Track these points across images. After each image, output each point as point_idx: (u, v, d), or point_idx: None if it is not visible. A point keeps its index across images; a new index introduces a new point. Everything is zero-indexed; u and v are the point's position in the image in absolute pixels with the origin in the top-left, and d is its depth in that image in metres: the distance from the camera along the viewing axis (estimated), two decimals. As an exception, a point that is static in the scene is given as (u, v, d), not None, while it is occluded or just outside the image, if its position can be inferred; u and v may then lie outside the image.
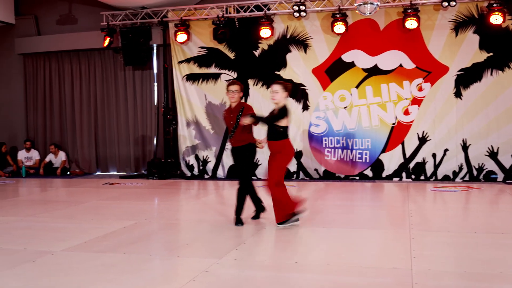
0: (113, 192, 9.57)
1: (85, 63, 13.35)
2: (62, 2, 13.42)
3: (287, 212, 5.88)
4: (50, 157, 13.13)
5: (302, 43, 11.27)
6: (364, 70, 10.92)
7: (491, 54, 10.33)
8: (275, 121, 5.83)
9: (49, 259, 4.71)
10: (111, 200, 8.68)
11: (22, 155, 13.25)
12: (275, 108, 5.95)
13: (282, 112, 5.86)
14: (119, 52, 12.54)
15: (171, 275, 4.31)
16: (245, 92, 11.60)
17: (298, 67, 11.29)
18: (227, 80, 11.71)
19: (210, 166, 11.91)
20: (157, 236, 5.81)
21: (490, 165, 10.38)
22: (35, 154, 13.29)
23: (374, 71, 10.87)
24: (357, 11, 9.76)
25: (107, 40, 12.13)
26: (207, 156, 11.93)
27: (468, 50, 10.42)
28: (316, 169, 11.22)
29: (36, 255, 4.79)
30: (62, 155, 13.09)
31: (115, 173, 13.17)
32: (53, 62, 13.56)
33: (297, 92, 11.25)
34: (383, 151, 10.83)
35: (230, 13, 11.52)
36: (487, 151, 10.40)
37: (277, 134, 5.88)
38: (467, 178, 10.46)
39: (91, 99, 13.32)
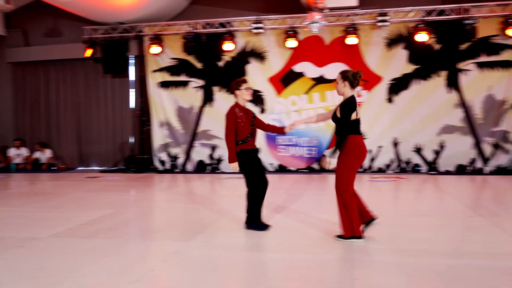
0: (94, 185, 9.36)
1: (69, 71, 13.03)
2: (48, 16, 13.02)
3: (350, 228, 4.37)
4: (37, 154, 12.74)
5: (260, 56, 11.30)
6: (312, 79, 11.05)
7: (418, 66, 10.63)
8: (344, 121, 4.50)
9: (36, 244, 4.56)
10: (93, 191, 8.48)
11: (12, 152, 12.80)
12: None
13: (345, 108, 4.44)
14: (100, 62, 12.27)
15: (145, 256, 4.25)
16: (210, 97, 11.56)
17: (256, 76, 11.31)
18: (195, 87, 11.66)
19: (179, 161, 11.81)
20: (133, 223, 5.71)
21: (416, 159, 10.68)
22: (24, 152, 12.86)
23: (320, 80, 11.00)
24: (306, 29, 9.86)
25: (89, 51, 11.86)
26: (177, 153, 11.82)
27: (398, 63, 10.69)
28: (271, 164, 11.27)
29: (24, 241, 4.62)
30: (48, 152, 12.73)
31: (96, 168, 12.89)
32: (40, 71, 13.17)
33: (255, 97, 11.28)
34: (327, 147, 10.97)
35: (198, 29, 11.44)
36: (414, 148, 10.70)
37: (341, 129, 4.47)
38: (397, 170, 10.73)
39: (75, 103, 13.00)
